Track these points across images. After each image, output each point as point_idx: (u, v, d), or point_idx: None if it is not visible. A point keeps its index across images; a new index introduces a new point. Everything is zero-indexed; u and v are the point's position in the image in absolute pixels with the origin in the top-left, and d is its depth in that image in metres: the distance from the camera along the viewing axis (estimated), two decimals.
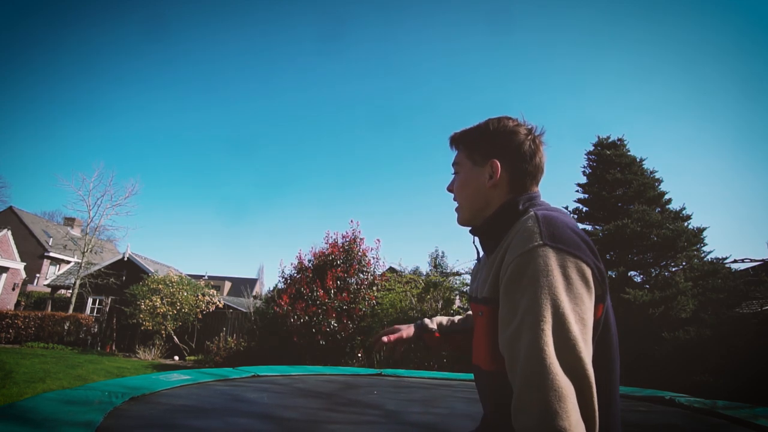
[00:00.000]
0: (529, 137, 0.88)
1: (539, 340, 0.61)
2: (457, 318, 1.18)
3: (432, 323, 1.16)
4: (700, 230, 6.92)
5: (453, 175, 0.96)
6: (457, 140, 0.95)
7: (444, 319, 1.18)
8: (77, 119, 41.26)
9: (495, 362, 0.77)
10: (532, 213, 0.77)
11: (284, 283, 9.15)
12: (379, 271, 9.40)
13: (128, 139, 46.06)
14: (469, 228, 0.93)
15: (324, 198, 63.69)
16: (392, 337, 1.11)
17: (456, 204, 0.95)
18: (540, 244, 0.69)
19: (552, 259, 0.67)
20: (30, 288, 22.59)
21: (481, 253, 0.96)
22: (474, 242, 0.96)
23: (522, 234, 0.73)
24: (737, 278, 6.34)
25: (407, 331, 1.13)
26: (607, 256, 7.24)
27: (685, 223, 7.10)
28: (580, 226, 7.98)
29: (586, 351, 0.62)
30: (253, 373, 2.89)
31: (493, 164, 0.87)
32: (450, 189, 0.97)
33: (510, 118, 0.91)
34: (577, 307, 0.65)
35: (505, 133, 0.88)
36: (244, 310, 12.44)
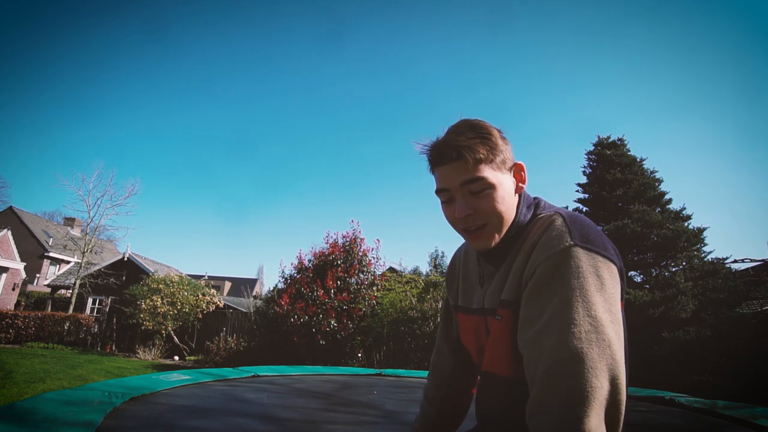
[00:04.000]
0: None
1: (567, 342, 0.60)
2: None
3: None
4: (700, 230, 6.92)
5: (476, 194, 0.75)
6: (469, 151, 0.73)
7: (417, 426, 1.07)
8: (77, 119, 41.32)
9: (515, 368, 0.74)
10: (557, 213, 0.75)
11: (284, 283, 9.14)
12: (379, 271, 9.39)
13: (128, 139, 46.06)
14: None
15: (324, 198, 63.69)
16: None
17: (482, 227, 0.76)
18: (571, 245, 0.67)
19: (584, 261, 0.66)
20: (30, 288, 22.59)
21: (469, 265, 0.93)
22: (477, 256, 0.88)
23: (550, 234, 0.71)
24: (737, 278, 6.34)
25: None
26: None
27: (685, 223, 7.10)
28: None
29: (621, 352, 0.61)
30: (253, 373, 2.89)
31: (521, 168, 0.80)
32: (468, 213, 0.75)
33: None
34: (612, 307, 0.64)
35: (500, 134, 0.80)
36: (244, 310, 12.44)
